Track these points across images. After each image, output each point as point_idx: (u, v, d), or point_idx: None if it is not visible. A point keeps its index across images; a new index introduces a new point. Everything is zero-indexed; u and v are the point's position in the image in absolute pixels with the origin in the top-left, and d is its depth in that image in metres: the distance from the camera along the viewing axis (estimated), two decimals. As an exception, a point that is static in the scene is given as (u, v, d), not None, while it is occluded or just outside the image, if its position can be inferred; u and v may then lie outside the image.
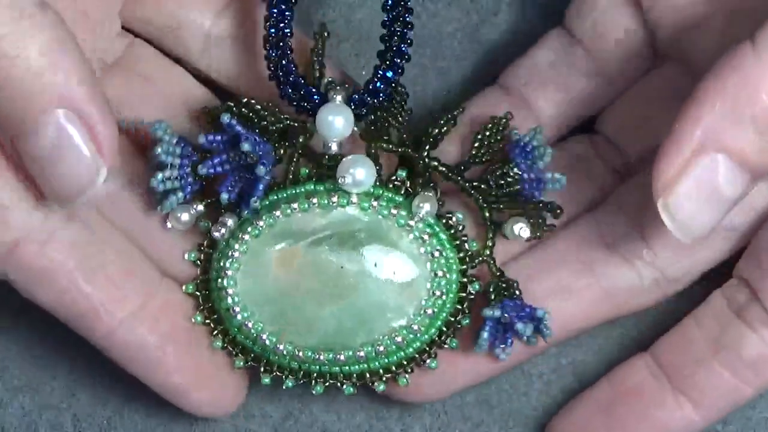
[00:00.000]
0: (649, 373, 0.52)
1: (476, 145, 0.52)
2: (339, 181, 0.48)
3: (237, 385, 0.52)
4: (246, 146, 0.47)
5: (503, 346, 0.50)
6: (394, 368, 0.51)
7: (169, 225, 0.51)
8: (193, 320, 0.51)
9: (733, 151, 0.46)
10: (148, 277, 0.50)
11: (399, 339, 0.50)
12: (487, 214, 0.51)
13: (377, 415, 0.53)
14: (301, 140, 0.50)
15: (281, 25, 0.50)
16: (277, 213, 0.49)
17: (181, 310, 0.51)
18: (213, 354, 0.51)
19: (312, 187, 0.50)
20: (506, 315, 0.50)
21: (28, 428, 0.53)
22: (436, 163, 0.51)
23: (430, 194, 0.50)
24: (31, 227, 0.48)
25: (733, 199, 0.47)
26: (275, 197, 0.50)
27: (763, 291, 0.50)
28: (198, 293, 0.51)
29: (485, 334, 0.50)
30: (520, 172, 0.51)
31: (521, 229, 0.50)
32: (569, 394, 0.54)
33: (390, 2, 0.50)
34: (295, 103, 0.50)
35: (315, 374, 0.51)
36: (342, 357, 0.50)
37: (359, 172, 0.49)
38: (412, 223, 0.49)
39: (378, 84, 0.50)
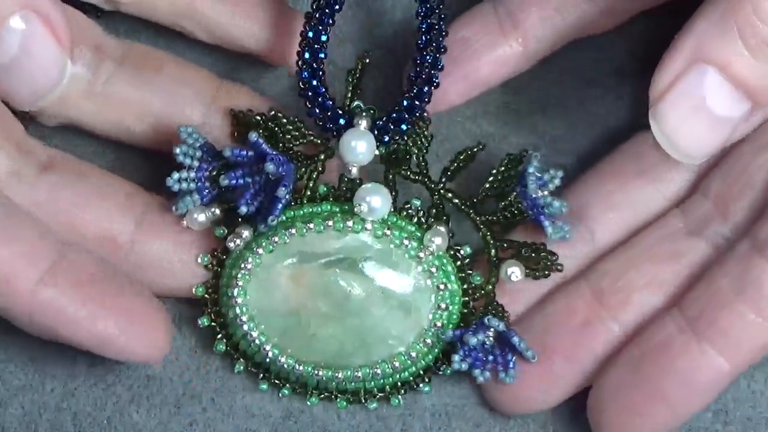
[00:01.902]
0: (675, 327, 0.50)
1: (491, 179, 0.53)
2: (355, 209, 0.50)
3: (164, 330, 0.50)
4: (270, 167, 0.48)
5: (482, 368, 0.51)
6: (388, 388, 0.52)
7: (184, 224, 0.51)
8: (200, 323, 0.52)
9: (721, 64, 0.45)
10: (57, 241, 0.49)
11: (397, 364, 0.51)
12: (493, 252, 0.52)
13: (377, 414, 0.53)
14: (322, 158, 0.52)
15: (316, 47, 0.51)
16: (293, 230, 0.50)
17: (93, 263, 0.49)
18: (134, 302, 0.49)
19: (329, 208, 0.51)
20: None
21: (28, 428, 0.53)
22: (450, 195, 0.52)
23: (442, 228, 0.51)
24: None
25: (728, 120, 0.46)
26: (291, 214, 0.51)
27: None
28: (207, 296, 0.52)
29: (457, 357, 0.51)
30: (522, 199, 0.52)
31: (512, 273, 0.51)
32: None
33: (424, 26, 0.51)
34: (320, 123, 0.51)
35: (311, 387, 0.52)
36: (340, 375, 0.51)
37: (375, 200, 0.50)
38: (422, 255, 0.50)
39: (403, 114, 0.51)
